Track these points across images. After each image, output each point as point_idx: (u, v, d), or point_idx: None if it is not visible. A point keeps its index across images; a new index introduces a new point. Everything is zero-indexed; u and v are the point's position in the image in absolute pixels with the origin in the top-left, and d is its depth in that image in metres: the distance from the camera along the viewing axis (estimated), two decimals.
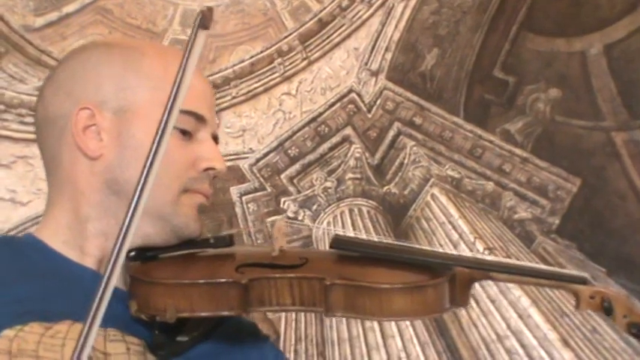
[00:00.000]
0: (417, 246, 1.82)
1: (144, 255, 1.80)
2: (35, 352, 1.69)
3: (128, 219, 1.49)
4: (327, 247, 1.83)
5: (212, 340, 1.82)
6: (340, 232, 1.88)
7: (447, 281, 1.73)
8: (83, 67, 1.84)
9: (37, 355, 1.69)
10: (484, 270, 1.76)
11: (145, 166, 1.50)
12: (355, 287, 1.66)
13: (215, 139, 1.81)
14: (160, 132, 1.49)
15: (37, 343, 1.69)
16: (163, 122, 1.49)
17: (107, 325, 1.72)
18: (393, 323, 4.07)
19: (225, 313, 1.70)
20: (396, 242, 1.82)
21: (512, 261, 1.89)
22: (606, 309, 1.70)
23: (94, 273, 1.81)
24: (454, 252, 1.89)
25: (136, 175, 1.65)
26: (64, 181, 1.78)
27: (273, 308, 1.71)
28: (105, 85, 1.79)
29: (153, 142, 1.50)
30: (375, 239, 1.92)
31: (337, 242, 1.81)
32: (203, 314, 1.71)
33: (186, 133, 1.75)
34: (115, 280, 1.47)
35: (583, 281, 1.73)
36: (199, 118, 1.76)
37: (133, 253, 1.79)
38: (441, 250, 1.92)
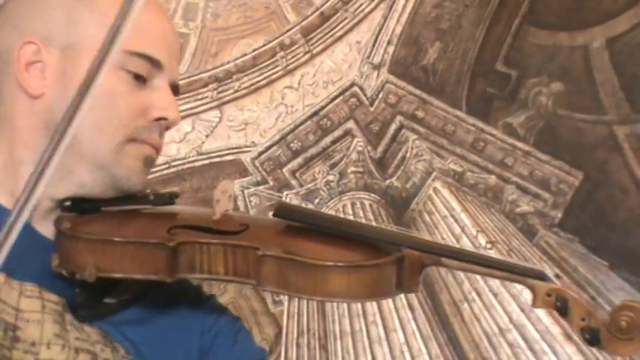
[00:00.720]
0: (371, 224, 1.68)
1: (80, 206, 1.66)
2: None
3: (48, 154, 1.22)
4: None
5: (143, 305, 1.69)
6: (286, 200, 1.74)
7: (392, 263, 1.58)
8: None
9: None
10: (434, 254, 1.61)
11: (74, 100, 1.26)
12: (289, 261, 1.54)
13: (174, 88, 1.70)
14: (97, 63, 1.24)
15: None
16: (100, 57, 1.23)
17: (25, 279, 1.61)
18: (395, 316, 4.05)
19: (150, 277, 1.58)
20: (346, 218, 1.70)
21: (467, 249, 1.72)
22: (559, 309, 1.54)
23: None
24: (413, 233, 1.76)
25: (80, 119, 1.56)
26: (3, 118, 1.66)
27: (203, 276, 1.58)
28: (53, 18, 1.65)
29: (89, 74, 1.25)
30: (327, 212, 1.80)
31: (280, 210, 1.67)
32: (124, 275, 1.58)
33: (139, 78, 1.63)
34: (21, 223, 1.24)
35: (540, 277, 1.59)
36: (155, 63, 1.64)
37: (68, 203, 1.66)
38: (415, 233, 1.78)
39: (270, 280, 1.55)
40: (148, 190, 1.71)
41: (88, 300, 1.63)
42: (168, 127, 1.72)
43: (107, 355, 1.63)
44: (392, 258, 1.58)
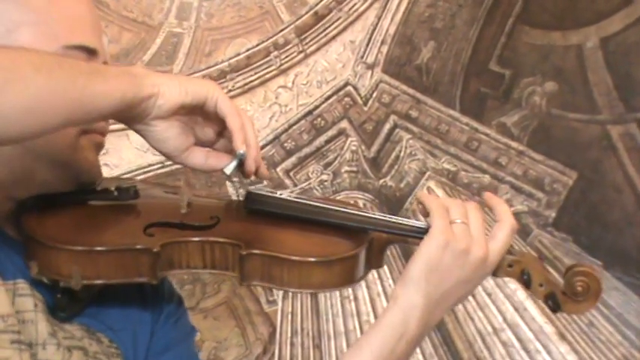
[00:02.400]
0: (331, 205, 1.73)
1: (39, 205, 1.66)
2: None
3: None
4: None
5: (109, 292, 1.70)
6: (253, 189, 1.76)
7: (365, 249, 1.67)
8: None
9: None
10: (400, 235, 1.70)
11: None
12: (272, 258, 1.59)
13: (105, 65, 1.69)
14: None
15: None
16: None
17: (16, 277, 1.61)
18: None
19: (135, 280, 1.61)
20: (311, 200, 1.73)
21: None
22: (525, 280, 1.71)
23: None
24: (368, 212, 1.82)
25: None
26: None
27: (182, 270, 1.63)
28: None
29: None
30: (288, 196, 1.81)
31: (251, 202, 1.72)
32: (110, 281, 1.60)
33: None
34: None
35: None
36: (91, 52, 1.65)
37: (27, 203, 1.65)
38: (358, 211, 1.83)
39: (254, 276, 1.60)
40: (112, 187, 1.72)
41: (69, 303, 1.63)
42: None
43: (95, 349, 1.65)
44: (365, 245, 1.67)
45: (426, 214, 1.74)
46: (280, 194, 1.75)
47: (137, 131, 1.60)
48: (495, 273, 1.72)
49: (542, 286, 1.70)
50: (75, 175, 1.67)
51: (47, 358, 1.59)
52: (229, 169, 1.61)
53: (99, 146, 1.73)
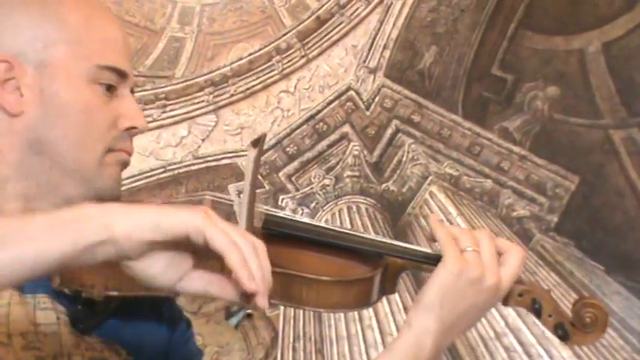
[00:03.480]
0: (345, 229, 1.78)
1: None
2: None
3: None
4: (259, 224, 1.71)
5: (124, 308, 1.72)
6: (269, 210, 1.75)
7: (380, 273, 1.72)
8: None
9: None
10: (415, 262, 1.76)
11: None
12: (292, 276, 1.62)
13: (132, 91, 1.73)
14: None
15: None
16: None
17: (37, 292, 1.62)
18: (391, 320, 4.07)
19: (154, 293, 1.59)
20: (323, 225, 1.77)
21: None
22: (536, 310, 1.75)
23: None
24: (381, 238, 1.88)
25: (61, 137, 1.60)
26: None
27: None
28: (23, 36, 1.67)
29: None
30: (306, 220, 1.85)
31: (269, 224, 1.72)
32: (131, 293, 1.62)
33: (110, 89, 1.66)
34: None
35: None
36: (122, 74, 1.68)
37: None
38: (370, 236, 1.88)
39: (274, 295, 1.58)
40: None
41: (89, 315, 1.66)
42: (136, 134, 1.76)
43: None
44: (381, 269, 1.72)
45: (432, 239, 1.79)
46: (297, 217, 1.79)
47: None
48: (506, 302, 1.77)
49: (552, 317, 1.75)
50: (97, 192, 1.69)
51: None
52: (233, 322, 1.57)
53: (124, 164, 1.76)
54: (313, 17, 4.31)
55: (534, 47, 4.06)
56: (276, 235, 1.72)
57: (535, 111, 4.09)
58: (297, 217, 1.82)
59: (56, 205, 1.66)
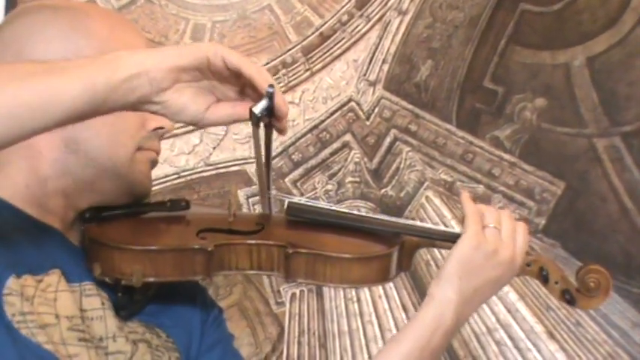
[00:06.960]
0: (358, 212, 1.92)
1: (99, 216, 1.75)
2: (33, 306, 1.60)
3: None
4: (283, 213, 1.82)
5: (161, 295, 1.80)
6: (294, 199, 1.93)
7: (397, 250, 1.83)
8: (30, 27, 1.75)
9: (35, 310, 1.60)
10: (428, 238, 1.89)
11: None
12: (317, 255, 1.73)
13: None
14: None
15: (32, 297, 1.61)
16: None
17: (82, 280, 1.69)
18: (390, 316, 4.14)
19: (189, 278, 1.71)
20: (342, 209, 1.91)
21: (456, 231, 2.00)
22: (544, 277, 1.88)
23: (57, 231, 1.74)
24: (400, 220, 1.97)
25: (95, 135, 1.66)
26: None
27: (231, 272, 1.73)
28: (53, 46, 1.72)
29: None
30: (324, 204, 1.95)
31: (292, 210, 1.85)
32: (168, 279, 1.70)
33: None
34: None
35: None
36: None
37: (87, 215, 1.75)
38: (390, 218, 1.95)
39: (299, 274, 1.73)
40: (166, 199, 1.85)
41: (130, 302, 1.75)
42: (163, 134, 1.87)
43: (156, 342, 1.77)
44: (398, 246, 1.83)
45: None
46: (319, 203, 1.92)
47: (155, 113, 1.56)
48: (517, 272, 1.88)
49: (558, 283, 1.86)
50: (130, 187, 1.79)
51: (118, 349, 1.69)
52: (259, 108, 1.57)
53: (153, 162, 1.85)
54: (317, 33, 4.36)
55: (523, 61, 4.08)
56: (299, 220, 1.84)
57: (524, 121, 4.13)
58: (319, 204, 1.91)
59: (93, 201, 1.76)
